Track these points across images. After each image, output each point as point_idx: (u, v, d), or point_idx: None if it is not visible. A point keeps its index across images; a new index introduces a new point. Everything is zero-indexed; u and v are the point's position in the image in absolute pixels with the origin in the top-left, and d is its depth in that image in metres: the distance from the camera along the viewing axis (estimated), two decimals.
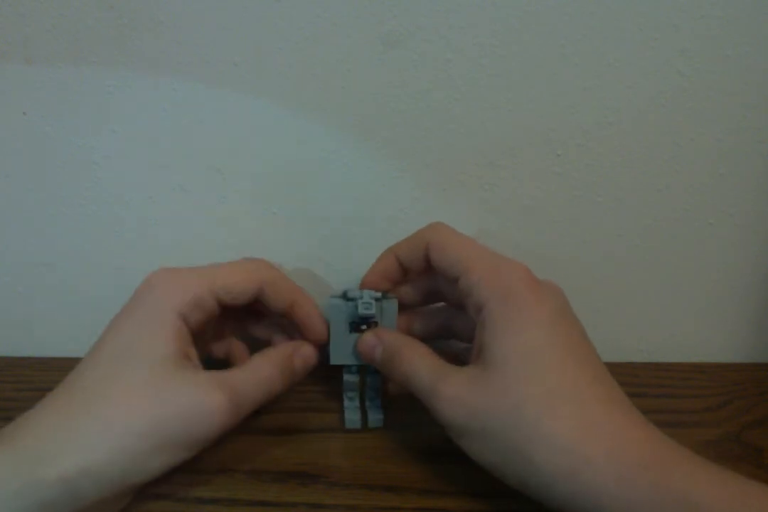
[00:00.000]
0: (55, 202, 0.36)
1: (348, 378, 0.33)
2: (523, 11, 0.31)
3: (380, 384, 0.34)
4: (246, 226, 0.36)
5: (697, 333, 0.40)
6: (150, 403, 0.25)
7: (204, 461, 0.30)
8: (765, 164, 0.35)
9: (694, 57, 0.32)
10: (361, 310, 0.31)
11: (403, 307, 0.33)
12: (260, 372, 0.29)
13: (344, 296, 0.32)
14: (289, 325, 0.33)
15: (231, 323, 0.34)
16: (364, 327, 0.32)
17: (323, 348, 0.32)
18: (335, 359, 0.32)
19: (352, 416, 0.33)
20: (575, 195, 0.36)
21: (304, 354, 0.32)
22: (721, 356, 0.40)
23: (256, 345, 0.34)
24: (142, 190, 0.35)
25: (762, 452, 0.32)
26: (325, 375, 0.34)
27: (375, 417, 0.33)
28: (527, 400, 0.24)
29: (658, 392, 0.37)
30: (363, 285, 0.32)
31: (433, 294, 0.33)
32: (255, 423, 0.33)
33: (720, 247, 0.37)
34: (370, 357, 0.31)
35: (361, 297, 0.31)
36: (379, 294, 0.32)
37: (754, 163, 0.35)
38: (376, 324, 0.32)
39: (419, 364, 0.28)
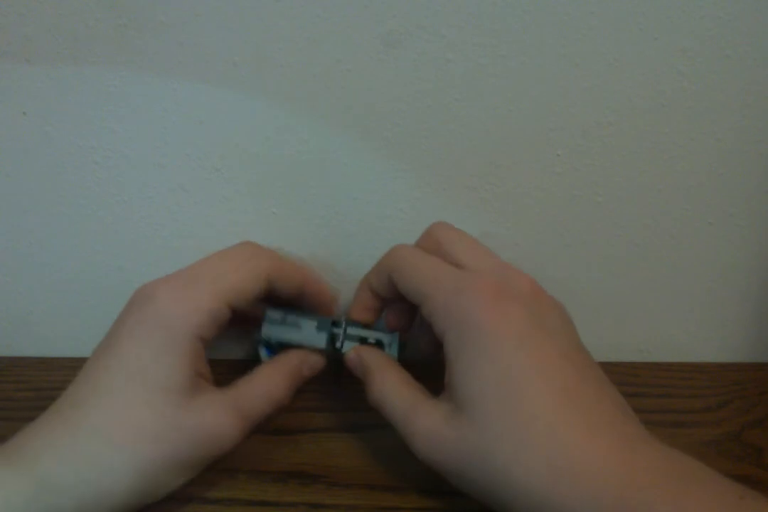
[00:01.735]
0: (55, 202, 0.36)
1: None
2: (523, 11, 0.31)
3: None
4: (246, 225, 0.36)
5: (697, 333, 0.40)
6: (167, 431, 0.25)
7: None
8: (765, 164, 0.35)
9: (694, 57, 0.32)
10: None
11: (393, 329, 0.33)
12: (270, 387, 0.29)
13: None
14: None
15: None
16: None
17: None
18: None
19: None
20: (575, 195, 0.35)
21: (313, 363, 0.31)
22: (721, 356, 0.40)
23: None
24: (142, 190, 0.35)
25: (762, 452, 0.32)
26: (324, 375, 0.34)
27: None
28: (496, 447, 0.23)
29: (658, 392, 0.37)
30: (350, 319, 0.32)
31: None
32: None
33: (720, 247, 0.37)
34: (356, 373, 0.31)
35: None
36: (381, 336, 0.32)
37: (754, 163, 0.35)
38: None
39: (390, 392, 0.28)
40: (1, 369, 0.38)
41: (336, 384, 0.35)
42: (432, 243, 0.30)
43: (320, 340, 0.32)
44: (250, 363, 0.31)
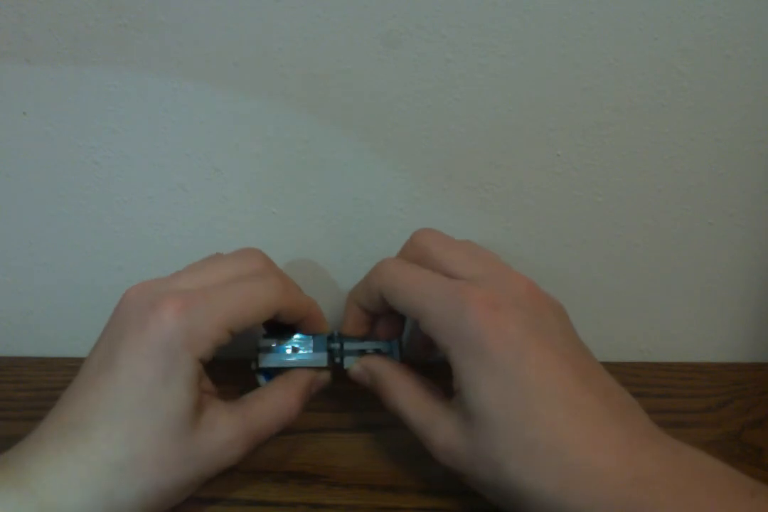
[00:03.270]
0: (55, 201, 0.36)
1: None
2: (523, 11, 0.31)
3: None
4: (246, 225, 0.36)
5: (697, 333, 0.40)
6: (178, 461, 0.25)
7: None
8: (765, 164, 0.35)
9: (694, 57, 0.32)
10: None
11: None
12: (282, 408, 0.29)
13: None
14: None
15: None
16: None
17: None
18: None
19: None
20: (575, 195, 0.35)
21: (322, 381, 0.31)
22: (721, 356, 0.40)
23: None
24: (142, 190, 0.35)
25: (762, 452, 0.32)
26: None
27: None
28: (506, 456, 0.24)
29: (658, 392, 0.37)
30: (343, 335, 0.32)
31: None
32: None
33: (720, 247, 0.37)
34: (364, 386, 0.31)
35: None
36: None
37: (754, 163, 0.35)
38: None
39: (405, 403, 0.28)
40: (2, 369, 0.38)
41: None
42: (418, 253, 0.29)
43: (321, 360, 0.31)
44: (248, 363, 0.32)
